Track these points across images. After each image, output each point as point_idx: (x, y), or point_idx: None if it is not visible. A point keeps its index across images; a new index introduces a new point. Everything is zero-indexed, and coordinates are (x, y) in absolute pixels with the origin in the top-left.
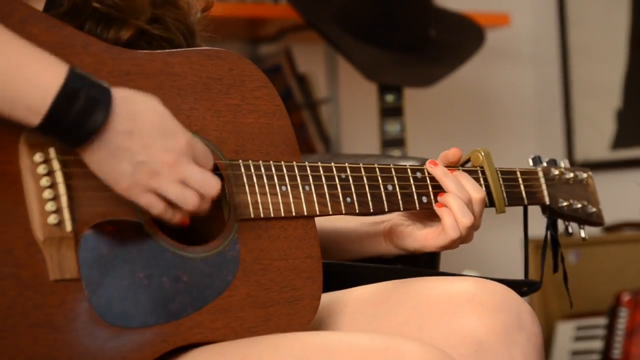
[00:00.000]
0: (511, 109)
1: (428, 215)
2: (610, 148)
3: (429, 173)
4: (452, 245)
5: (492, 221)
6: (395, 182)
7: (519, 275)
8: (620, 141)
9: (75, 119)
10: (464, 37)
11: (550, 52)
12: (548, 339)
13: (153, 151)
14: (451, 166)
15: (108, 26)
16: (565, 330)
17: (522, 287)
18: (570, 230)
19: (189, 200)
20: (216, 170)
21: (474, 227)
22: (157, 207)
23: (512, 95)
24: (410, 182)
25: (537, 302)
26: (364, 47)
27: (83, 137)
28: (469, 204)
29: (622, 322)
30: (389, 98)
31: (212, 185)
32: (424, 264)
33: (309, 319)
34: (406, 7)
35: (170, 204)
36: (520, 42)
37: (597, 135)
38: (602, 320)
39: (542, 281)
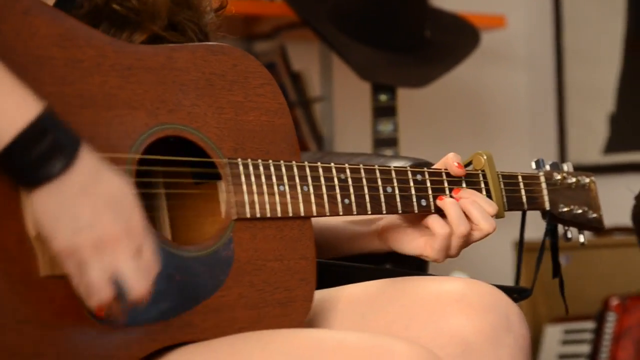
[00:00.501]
0: (505, 111)
1: (425, 217)
2: (603, 152)
3: (429, 175)
4: (438, 256)
5: None
6: (395, 184)
7: (508, 276)
8: (612, 145)
9: (35, 160)
10: (459, 38)
11: (544, 55)
12: (536, 342)
13: (100, 220)
14: (455, 177)
15: (122, 29)
16: (553, 334)
17: (512, 294)
18: (569, 235)
19: (101, 294)
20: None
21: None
22: (75, 281)
23: (506, 97)
24: (409, 184)
25: (526, 305)
26: (359, 47)
27: (36, 180)
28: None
29: (609, 327)
30: (383, 97)
31: (139, 292)
32: (414, 263)
33: (300, 321)
34: (402, 7)
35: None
36: (515, 44)
37: (590, 139)
38: (590, 324)
39: (533, 289)
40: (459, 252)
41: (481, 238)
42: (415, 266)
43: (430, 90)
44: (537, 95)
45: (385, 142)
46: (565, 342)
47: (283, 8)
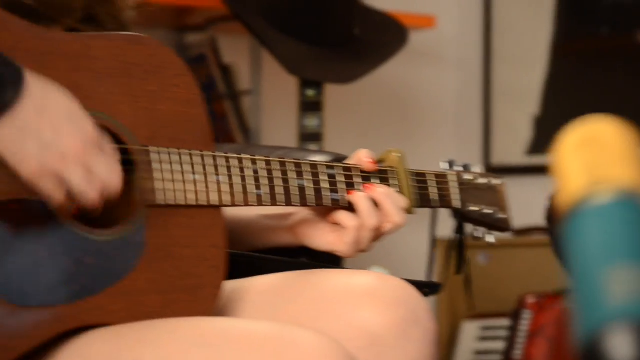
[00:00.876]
0: (431, 111)
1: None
2: (526, 153)
3: (342, 170)
4: (350, 250)
5: None
6: (308, 177)
7: (426, 273)
8: (536, 147)
9: None
10: (387, 36)
11: (473, 56)
12: (453, 338)
13: (62, 133)
14: (367, 173)
15: (36, 22)
16: (470, 330)
17: (423, 288)
18: (477, 234)
19: (89, 194)
20: (127, 155)
21: (370, 239)
22: (57, 197)
23: (433, 97)
24: (322, 178)
25: (445, 302)
26: (287, 41)
27: None
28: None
29: (524, 324)
30: (310, 93)
31: (116, 179)
32: (328, 257)
33: (209, 307)
34: (332, 3)
35: (69, 194)
36: (445, 45)
37: (514, 140)
38: (506, 322)
39: (444, 283)
40: (370, 245)
41: (392, 231)
42: (330, 261)
43: (358, 86)
44: (464, 95)
45: (310, 137)
46: (482, 339)
47: (215, 0)
